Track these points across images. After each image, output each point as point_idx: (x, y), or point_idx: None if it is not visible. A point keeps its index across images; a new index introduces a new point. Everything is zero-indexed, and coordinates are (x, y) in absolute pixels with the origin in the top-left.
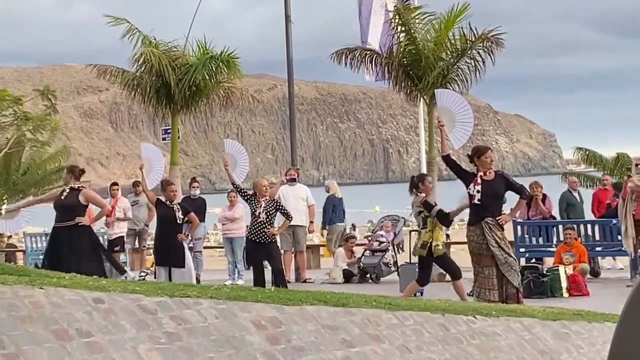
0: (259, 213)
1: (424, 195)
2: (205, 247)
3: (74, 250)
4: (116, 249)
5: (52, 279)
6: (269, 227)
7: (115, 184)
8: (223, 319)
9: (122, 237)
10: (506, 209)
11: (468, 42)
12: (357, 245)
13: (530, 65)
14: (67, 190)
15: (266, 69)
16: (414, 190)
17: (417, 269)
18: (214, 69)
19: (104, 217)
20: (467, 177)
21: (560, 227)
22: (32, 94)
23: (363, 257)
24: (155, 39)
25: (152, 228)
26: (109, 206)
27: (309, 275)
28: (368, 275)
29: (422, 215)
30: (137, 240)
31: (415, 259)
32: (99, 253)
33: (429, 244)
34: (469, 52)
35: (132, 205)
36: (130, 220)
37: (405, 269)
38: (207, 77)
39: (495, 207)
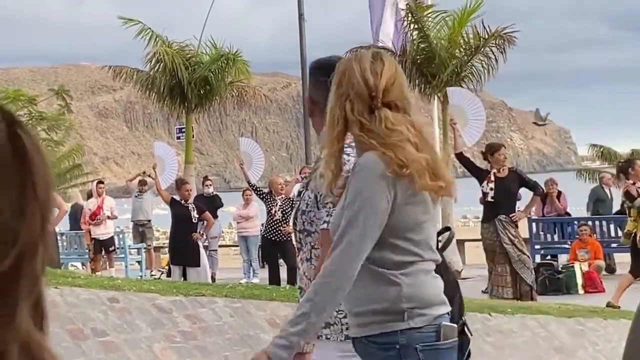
0: (275, 211)
1: (631, 182)
2: (220, 246)
3: None
4: (111, 249)
5: (67, 279)
6: (285, 225)
7: (101, 182)
8: (238, 317)
9: (113, 237)
10: (521, 206)
11: (481, 39)
12: None
13: (545, 61)
14: None
15: (280, 67)
16: (622, 175)
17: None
18: (223, 66)
19: (92, 216)
20: (480, 175)
21: (576, 223)
22: (46, 94)
23: None
24: (167, 38)
25: (159, 225)
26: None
27: None
28: None
29: (625, 204)
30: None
31: None
32: None
33: (632, 234)
34: (482, 49)
35: (135, 197)
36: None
37: None
38: (217, 75)
39: (509, 204)
